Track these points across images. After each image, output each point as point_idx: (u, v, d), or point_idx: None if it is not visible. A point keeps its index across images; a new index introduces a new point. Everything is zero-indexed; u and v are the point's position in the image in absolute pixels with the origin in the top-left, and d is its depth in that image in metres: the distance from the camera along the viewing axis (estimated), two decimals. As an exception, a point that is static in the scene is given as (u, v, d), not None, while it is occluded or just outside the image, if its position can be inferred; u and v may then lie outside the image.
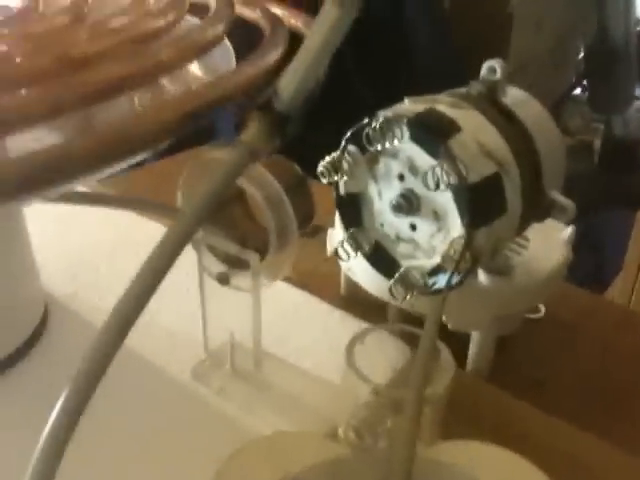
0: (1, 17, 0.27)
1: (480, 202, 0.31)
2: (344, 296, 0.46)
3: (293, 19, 0.34)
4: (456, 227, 0.32)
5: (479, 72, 0.35)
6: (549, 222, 0.37)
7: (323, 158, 0.34)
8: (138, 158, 0.20)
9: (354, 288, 0.41)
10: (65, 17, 0.27)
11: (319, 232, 0.44)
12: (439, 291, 0.33)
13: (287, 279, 0.44)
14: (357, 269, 0.40)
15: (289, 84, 0.20)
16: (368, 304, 0.41)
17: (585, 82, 2.27)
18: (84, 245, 0.44)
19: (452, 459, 0.27)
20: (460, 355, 0.41)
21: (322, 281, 0.47)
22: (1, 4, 0.30)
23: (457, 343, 0.40)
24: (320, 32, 0.18)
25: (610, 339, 0.45)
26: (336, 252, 0.36)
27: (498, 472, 0.27)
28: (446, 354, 0.30)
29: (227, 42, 0.32)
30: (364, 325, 0.40)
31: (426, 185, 0.31)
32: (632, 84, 2.14)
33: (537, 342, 0.44)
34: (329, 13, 0.18)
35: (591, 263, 1.45)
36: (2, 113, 0.18)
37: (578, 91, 2.36)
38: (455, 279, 0.32)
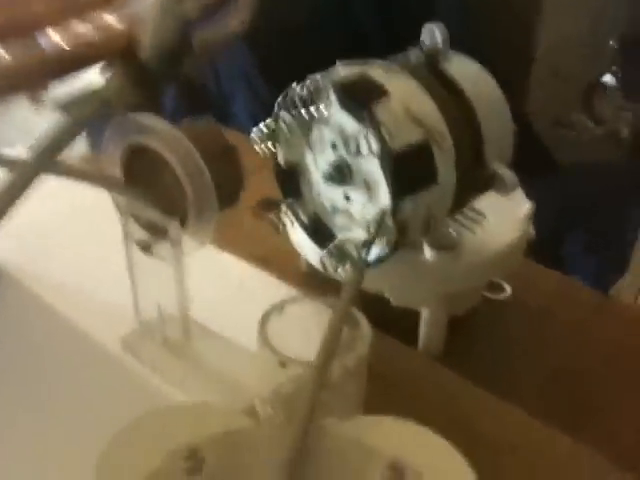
0: None
1: (405, 169, 0.29)
2: (305, 272, 0.45)
3: None
4: (384, 197, 0.30)
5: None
6: (510, 198, 0.36)
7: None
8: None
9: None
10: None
11: (274, 207, 0.43)
12: (368, 264, 0.32)
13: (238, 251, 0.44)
14: (304, 243, 0.39)
15: (147, 33, 0.19)
16: (329, 281, 0.40)
17: (615, 68, 2.21)
18: (35, 216, 0.43)
19: (361, 434, 0.26)
20: (414, 334, 0.40)
21: (284, 257, 0.46)
22: None
23: (410, 322, 0.39)
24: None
25: (580, 325, 0.44)
26: (273, 222, 0.35)
27: (404, 446, 0.25)
28: (365, 324, 0.29)
29: None
30: (291, 291, 0.39)
31: (349, 151, 0.30)
32: (663, 70, 2.07)
33: (502, 326, 0.43)
34: None
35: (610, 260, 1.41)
36: None
37: (608, 77, 2.30)
38: (382, 252, 0.31)
